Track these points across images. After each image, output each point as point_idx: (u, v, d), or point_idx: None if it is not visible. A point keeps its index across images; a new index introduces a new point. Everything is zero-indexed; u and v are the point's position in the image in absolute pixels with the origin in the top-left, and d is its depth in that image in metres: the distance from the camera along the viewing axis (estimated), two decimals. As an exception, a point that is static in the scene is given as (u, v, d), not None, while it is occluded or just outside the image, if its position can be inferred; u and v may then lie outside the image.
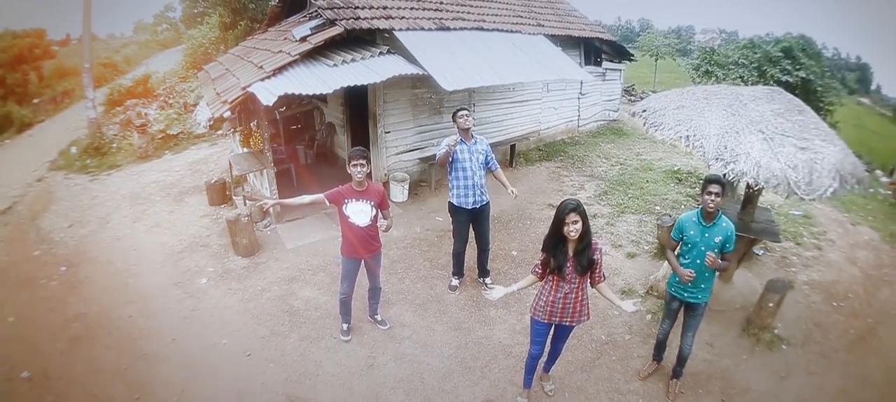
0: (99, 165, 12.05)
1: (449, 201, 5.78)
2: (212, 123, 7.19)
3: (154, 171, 11.38)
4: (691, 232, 4.23)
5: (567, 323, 4.02)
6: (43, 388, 4.88)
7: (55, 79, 30.29)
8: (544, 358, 4.46)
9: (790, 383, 4.94)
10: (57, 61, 32.50)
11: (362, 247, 4.81)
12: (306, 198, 4.67)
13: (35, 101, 25.73)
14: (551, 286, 3.89)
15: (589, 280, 3.85)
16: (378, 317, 5.52)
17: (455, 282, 6.24)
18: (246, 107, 7.56)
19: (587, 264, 3.72)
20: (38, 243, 8.04)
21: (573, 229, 3.55)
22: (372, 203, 4.65)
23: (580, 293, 3.88)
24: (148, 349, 5.32)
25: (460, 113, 5.48)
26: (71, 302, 6.29)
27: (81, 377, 4.99)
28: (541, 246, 3.87)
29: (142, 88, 18.91)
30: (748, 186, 5.35)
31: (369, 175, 4.73)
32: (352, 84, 6.69)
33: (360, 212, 4.63)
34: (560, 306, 3.89)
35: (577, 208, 3.55)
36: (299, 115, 11.34)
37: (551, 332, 4.20)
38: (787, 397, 4.78)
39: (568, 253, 3.73)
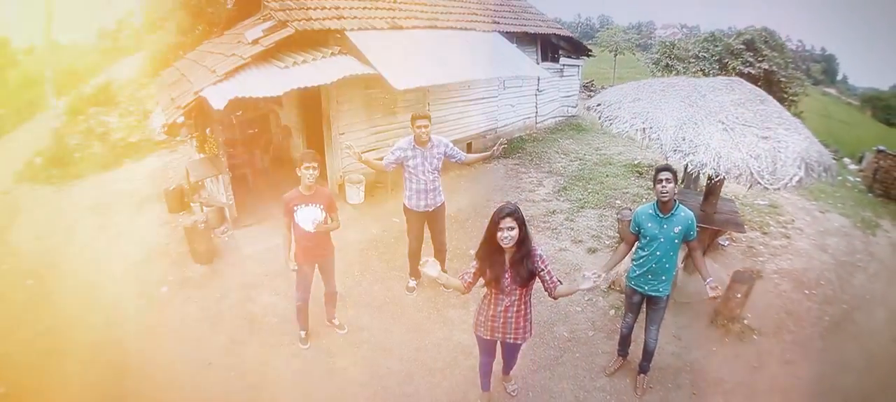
0: (63, 176, 11.66)
1: (403, 202, 5.65)
2: (166, 128, 7.01)
3: (116, 180, 11.08)
4: (649, 225, 4.10)
5: (510, 340, 3.70)
6: (19, 402, 4.77)
7: (20, 88, 29.55)
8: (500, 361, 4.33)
9: (763, 372, 4.92)
10: (21, 71, 31.71)
11: (314, 252, 4.73)
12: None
13: (-1, 111, 25.01)
14: (490, 300, 3.57)
15: (546, 292, 3.45)
16: (335, 321, 5.39)
17: (412, 283, 6.11)
18: (202, 112, 7.34)
19: (527, 275, 3.33)
20: (5, 256, 7.81)
21: (507, 237, 3.15)
22: (320, 207, 4.53)
23: (523, 307, 3.54)
24: (116, 361, 5.18)
25: (419, 123, 5.12)
26: (40, 316, 6.13)
27: (56, 391, 4.88)
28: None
29: (103, 96, 18.47)
30: (709, 178, 5.31)
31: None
32: (302, 85, 6.55)
33: (308, 217, 4.50)
34: (502, 321, 3.57)
35: (514, 213, 3.16)
36: (256, 118, 11.11)
37: (498, 345, 3.95)
38: (761, 386, 4.76)
39: (505, 263, 3.34)
